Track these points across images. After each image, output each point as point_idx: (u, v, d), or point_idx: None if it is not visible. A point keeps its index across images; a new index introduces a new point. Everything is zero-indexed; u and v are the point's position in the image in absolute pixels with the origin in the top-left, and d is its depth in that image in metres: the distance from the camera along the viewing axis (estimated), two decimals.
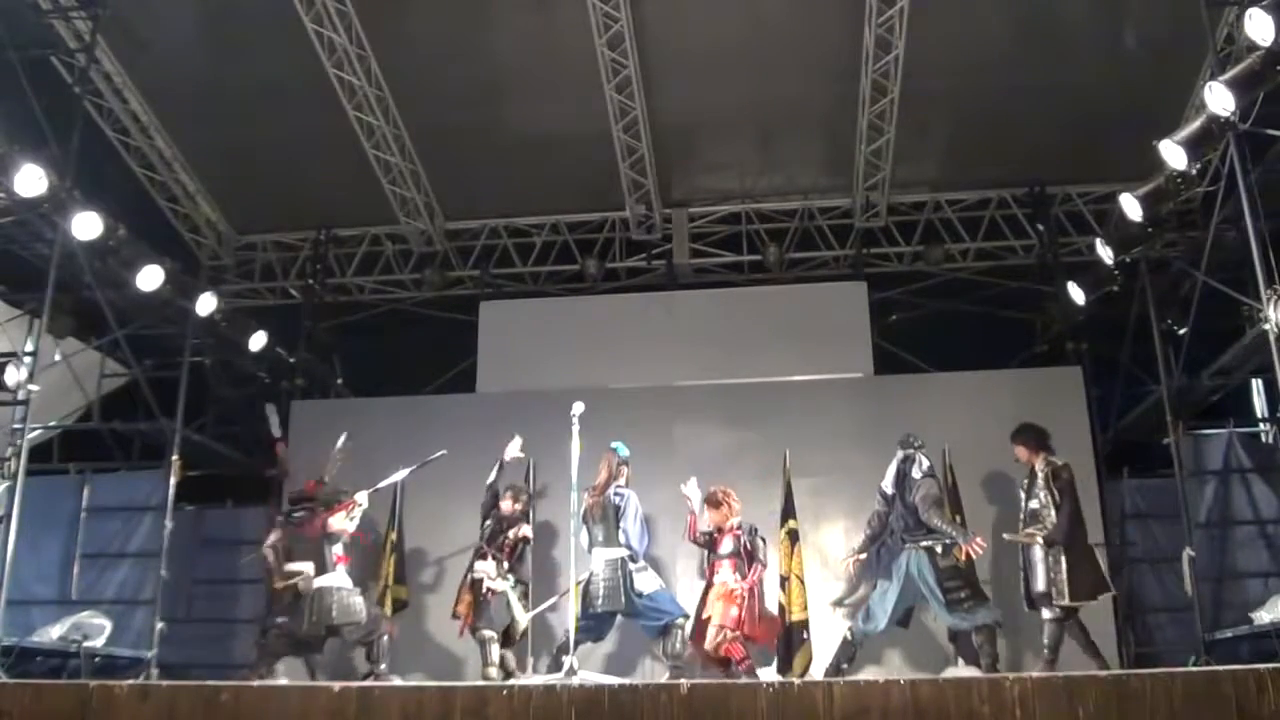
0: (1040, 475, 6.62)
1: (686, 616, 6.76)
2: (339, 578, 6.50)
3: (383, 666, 6.49)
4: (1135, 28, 8.04)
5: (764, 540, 7.12)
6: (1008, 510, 7.33)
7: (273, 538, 6.63)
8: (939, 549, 6.46)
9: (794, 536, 7.69)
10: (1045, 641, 6.33)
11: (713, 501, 7.08)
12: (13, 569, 6.35)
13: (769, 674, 7.17)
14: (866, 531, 6.87)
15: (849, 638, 6.70)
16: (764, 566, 7.06)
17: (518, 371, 8.95)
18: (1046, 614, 6.32)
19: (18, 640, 6.71)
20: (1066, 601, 6.26)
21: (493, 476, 7.40)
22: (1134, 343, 8.19)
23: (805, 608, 7.49)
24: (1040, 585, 6.36)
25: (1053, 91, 8.45)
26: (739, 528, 7.02)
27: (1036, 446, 6.74)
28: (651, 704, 3.40)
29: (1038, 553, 6.43)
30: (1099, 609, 7.62)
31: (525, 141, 9.17)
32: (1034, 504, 6.59)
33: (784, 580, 7.55)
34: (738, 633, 6.76)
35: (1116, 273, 7.75)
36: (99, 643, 7.36)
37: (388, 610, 7.63)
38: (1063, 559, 6.32)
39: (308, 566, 6.44)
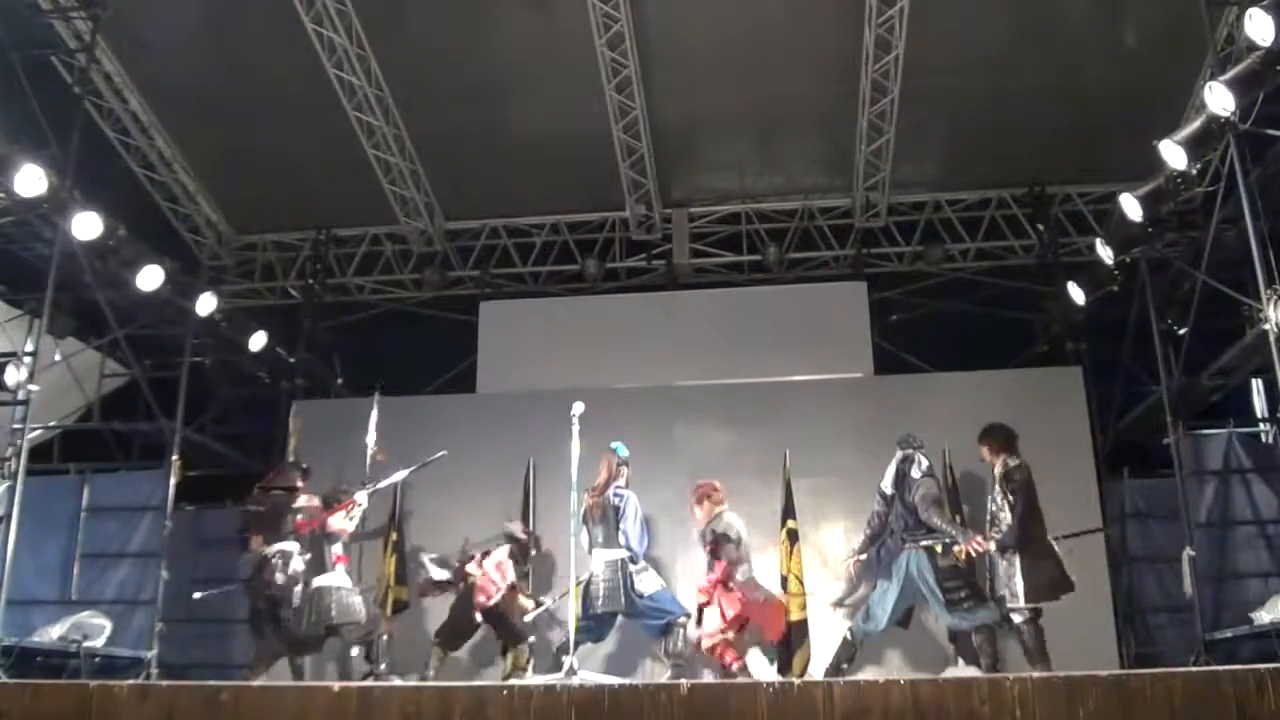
0: (997, 477, 6.59)
1: (688, 615, 6.76)
2: (338, 577, 6.49)
3: (382, 666, 6.48)
4: (1135, 28, 8.05)
5: (730, 536, 6.97)
6: None
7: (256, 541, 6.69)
8: (939, 549, 6.45)
9: (794, 537, 7.70)
10: (1026, 644, 6.29)
11: (696, 499, 7.10)
12: (13, 569, 6.35)
13: (769, 674, 7.16)
14: (866, 532, 6.85)
15: (849, 638, 6.68)
16: (729, 562, 6.89)
17: (518, 371, 8.95)
18: (1017, 618, 6.30)
19: (18, 640, 6.71)
20: (1021, 604, 6.20)
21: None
22: (1134, 343, 8.19)
23: (805, 607, 7.49)
24: (1000, 589, 6.35)
25: (1053, 91, 8.46)
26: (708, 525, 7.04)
27: (999, 448, 6.64)
28: (651, 704, 3.39)
29: (997, 557, 6.39)
30: (1098, 609, 7.65)
31: (525, 141, 9.18)
32: (993, 506, 6.55)
33: (784, 580, 7.56)
34: (724, 635, 6.75)
35: (1116, 273, 7.75)
36: (99, 643, 7.37)
37: (388, 611, 7.65)
38: (1017, 562, 6.23)
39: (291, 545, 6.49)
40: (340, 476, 7.17)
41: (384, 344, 10.40)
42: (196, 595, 6.98)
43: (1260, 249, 5.86)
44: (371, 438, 7.08)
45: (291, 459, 6.95)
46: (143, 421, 8.26)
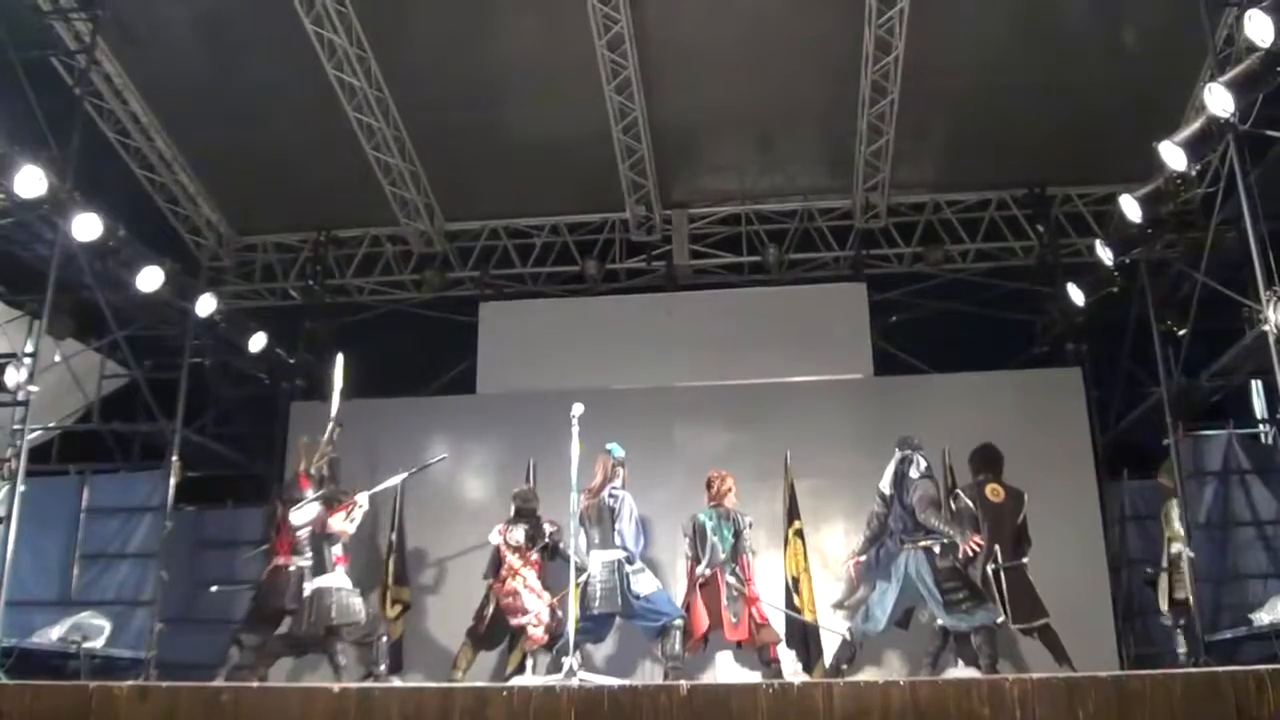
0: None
1: (684, 617, 6.77)
2: (338, 578, 6.48)
3: (382, 668, 6.48)
4: (1135, 28, 8.06)
5: (684, 532, 7.21)
6: None
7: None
8: (937, 549, 6.47)
9: (802, 536, 7.69)
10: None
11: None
12: (13, 569, 6.34)
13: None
14: (865, 533, 6.88)
15: (848, 638, 6.70)
16: (694, 561, 7.11)
17: (518, 372, 8.96)
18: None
19: (17, 641, 6.70)
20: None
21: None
22: (1134, 344, 8.19)
23: (815, 609, 7.51)
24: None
25: (1053, 91, 8.45)
26: None
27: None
28: (651, 704, 3.39)
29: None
30: (1097, 610, 7.66)
31: (525, 142, 9.17)
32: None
33: (795, 582, 7.54)
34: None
35: (1116, 274, 7.76)
36: (99, 643, 7.35)
37: (389, 612, 7.64)
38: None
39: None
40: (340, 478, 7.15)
41: (384, 345, 10.38)
42: (213, 589, 7.05)
43: (1260, 250, 5.86)
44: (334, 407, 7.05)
45: (312, 471, 6.92)
46: (143, 422, 8.25)
